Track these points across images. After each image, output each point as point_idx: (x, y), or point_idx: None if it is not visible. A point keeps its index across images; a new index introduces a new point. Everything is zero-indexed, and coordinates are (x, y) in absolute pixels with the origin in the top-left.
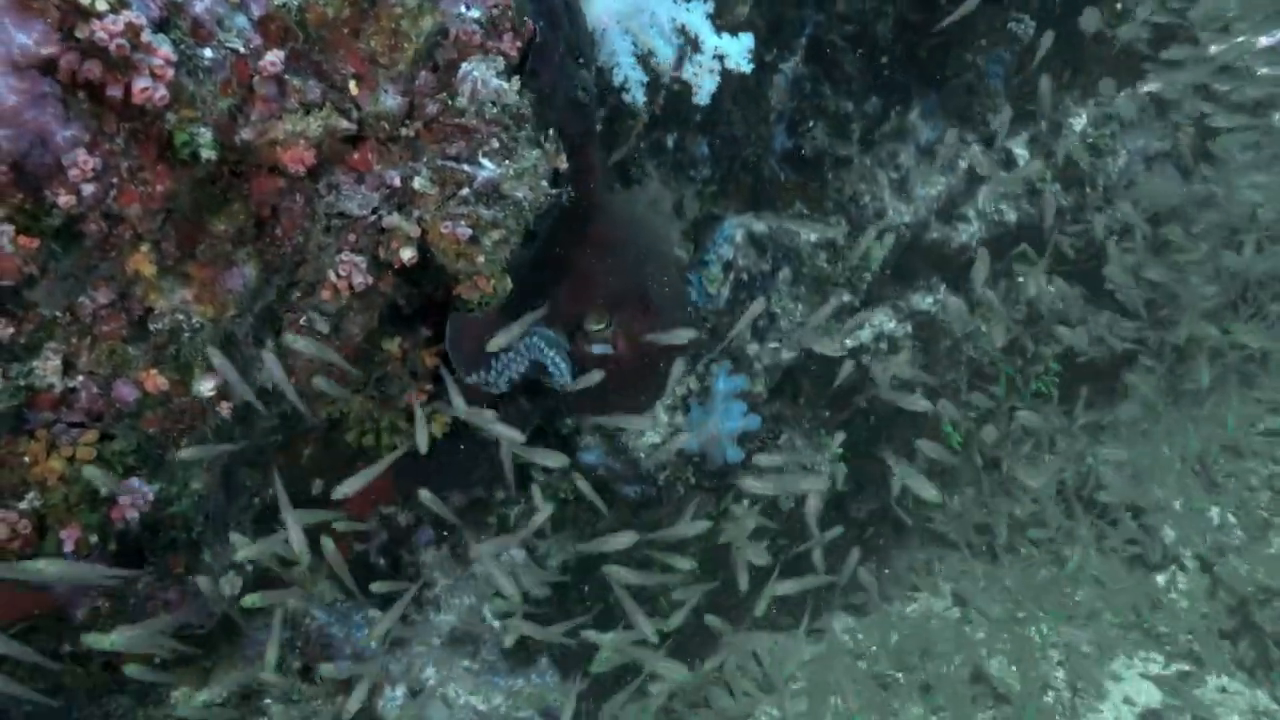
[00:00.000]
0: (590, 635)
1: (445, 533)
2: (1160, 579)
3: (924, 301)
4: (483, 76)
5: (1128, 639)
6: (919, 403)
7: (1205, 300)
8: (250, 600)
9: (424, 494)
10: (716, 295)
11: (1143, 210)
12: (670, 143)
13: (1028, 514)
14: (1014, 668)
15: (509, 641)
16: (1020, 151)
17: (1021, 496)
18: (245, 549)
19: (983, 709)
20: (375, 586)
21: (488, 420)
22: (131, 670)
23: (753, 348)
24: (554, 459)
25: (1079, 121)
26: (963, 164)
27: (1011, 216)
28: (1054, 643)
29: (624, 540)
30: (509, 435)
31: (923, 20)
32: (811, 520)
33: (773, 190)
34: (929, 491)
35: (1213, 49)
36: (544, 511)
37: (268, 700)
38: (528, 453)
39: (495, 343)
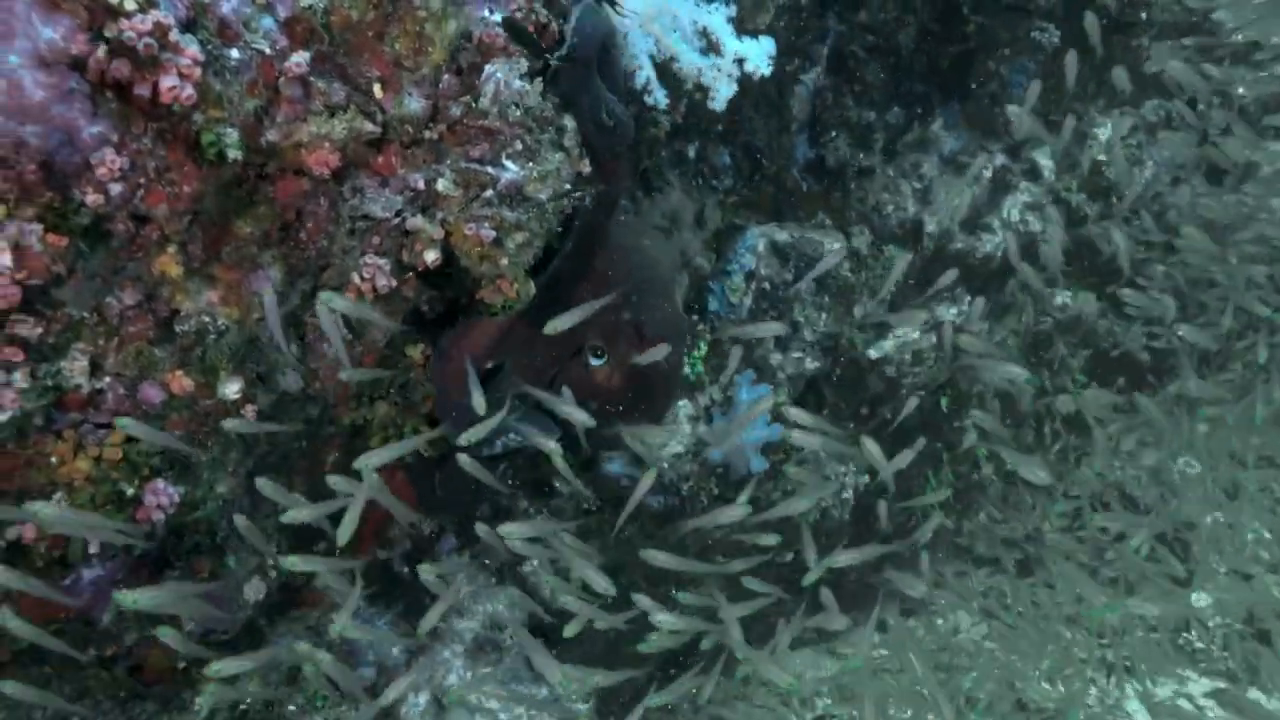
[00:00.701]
0: (659, 618)
1: (466, 541)
2: (1195, 595)
3: (948, 312)
4: (505, 78)
5: (1164, 656)
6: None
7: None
8: (290, 562)
9: (463, 459)
10: (739, 305)
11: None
12: (692, 152)
13: (1057, 525)
14: (1045, 685)
15: (572, 631)
16: (1045, 162)
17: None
18: (297, 510)
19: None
20: (425, 569)
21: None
22: (164, 634)
23: (775, 357)
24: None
25: (1104, 131)
26: (986, 174)
27: (1038, 226)
28: (1085, 659)
29: (737, 513)
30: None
31: (944, 30)
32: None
33: (795, 200)
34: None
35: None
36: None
37: (291, 707)
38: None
39: (470, 436)
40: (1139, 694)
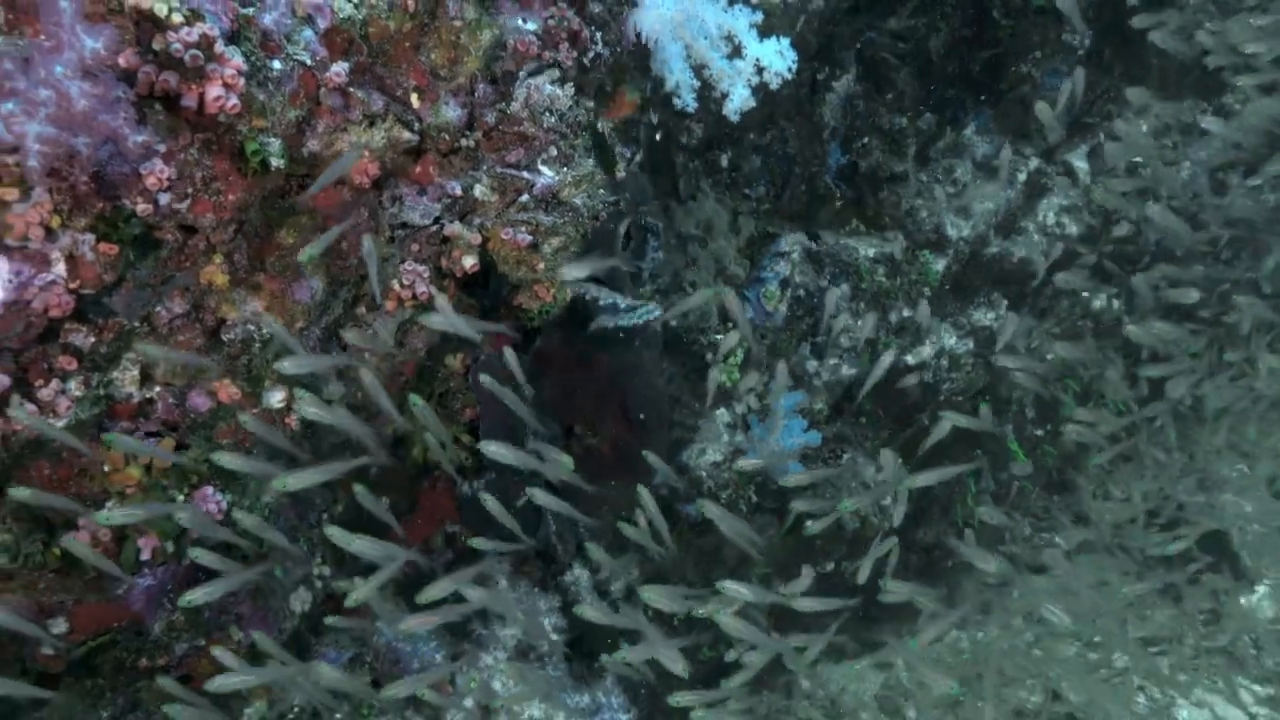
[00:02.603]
0: (728, 585)
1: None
2: (1243, 600)
3: (985, 317)
4: (537, 83)
5: (1212, 664)
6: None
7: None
8: (331, 532)
9: (489, 502)
10: (774, 312)
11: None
12: (725, 161)
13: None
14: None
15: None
16: (1080, 164)
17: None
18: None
19: None
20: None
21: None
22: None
23: (811, 364)
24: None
25: (1137, 133)
26: (1021, 177)
27: (1073, 229)
28: (1132, 667)
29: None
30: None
31: (975, 34)
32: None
33: (829, 207)
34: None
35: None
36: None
37: (338, 716)
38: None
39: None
40: (1190, 702)
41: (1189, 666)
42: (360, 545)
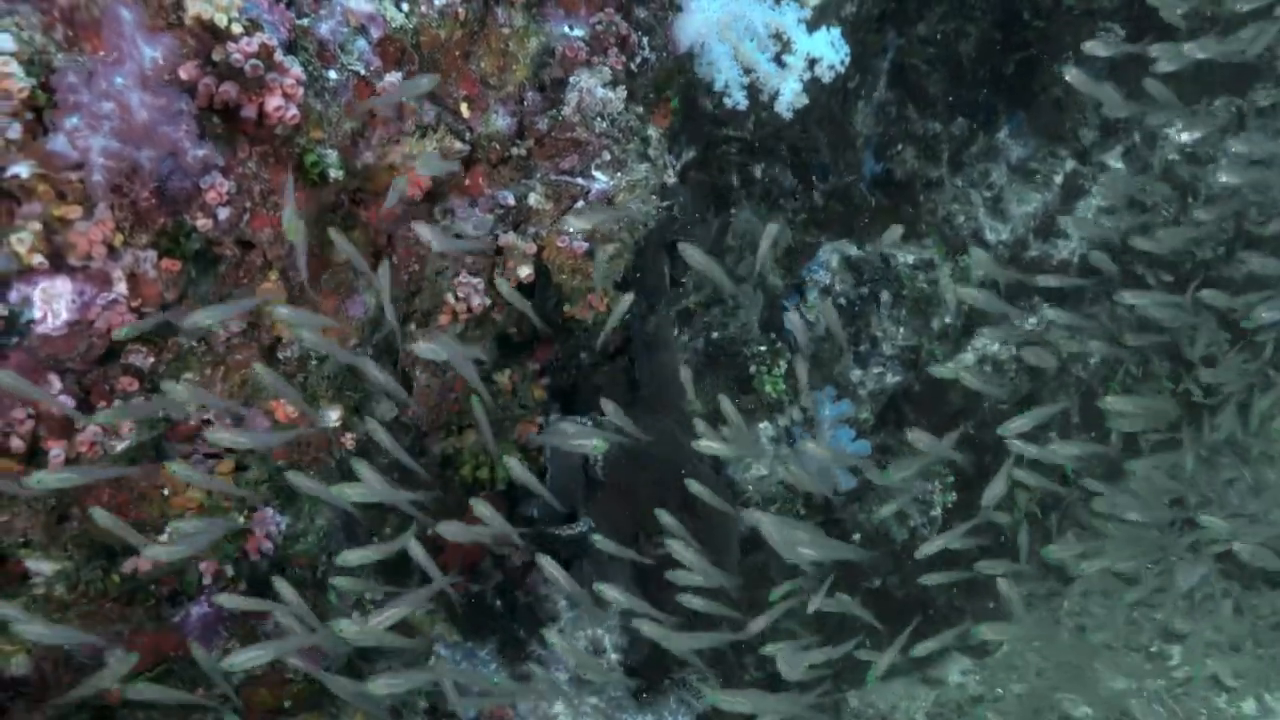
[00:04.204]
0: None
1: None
2: None
3: (1027, 322)
4: (589, 86)
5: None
6: None
7: None
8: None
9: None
10: (815, 322)
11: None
12: (759, 172)
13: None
14: (1157, 707)
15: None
16: (1115, 164)
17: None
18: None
19: None
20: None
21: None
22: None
23: (855, 373)
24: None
25: (1173, 130)
26: (1057, 179)
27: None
28: (1195, 676)
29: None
30: None
31: (1006, 37)
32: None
33: (865, 215)
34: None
35: None
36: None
37: None
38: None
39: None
40: (1259, 708)
41: (1255, 674)
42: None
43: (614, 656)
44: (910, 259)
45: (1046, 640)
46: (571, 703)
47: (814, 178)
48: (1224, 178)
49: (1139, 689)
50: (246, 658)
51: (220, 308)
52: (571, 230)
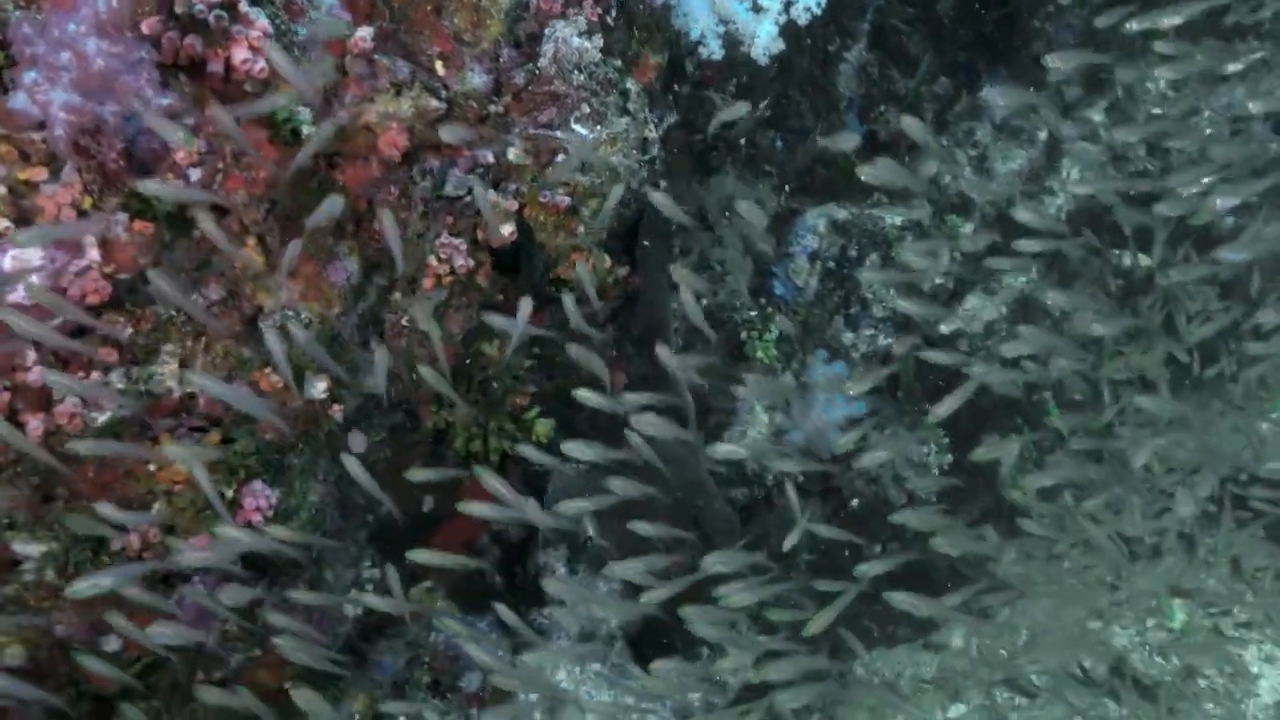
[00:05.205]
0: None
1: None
2: None
3: (1017, 281)
4: (564, 36)
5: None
6: None
7: None
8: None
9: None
10: (804, 286)
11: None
12: (741, 140)
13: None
14: (1158, 659)
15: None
16: (1098, 119)
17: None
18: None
19: (1127, 705)
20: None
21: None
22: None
23: (847, 336)
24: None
25: (1156, 85)
26: (1041, 136)
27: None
28: (1196, 629)
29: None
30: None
31: None
32: None
33: (850, 178)
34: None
35: None
36: None
37: (402, 718)
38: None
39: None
40: (1261, 654)
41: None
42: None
43: (614, 623)
44: (897, 220)
45: (1048, 586)
46: (573, 669)
47: (797, 143)
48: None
49: (1141, 643)
50: (88, 584)
51: None
52: (555, 178)
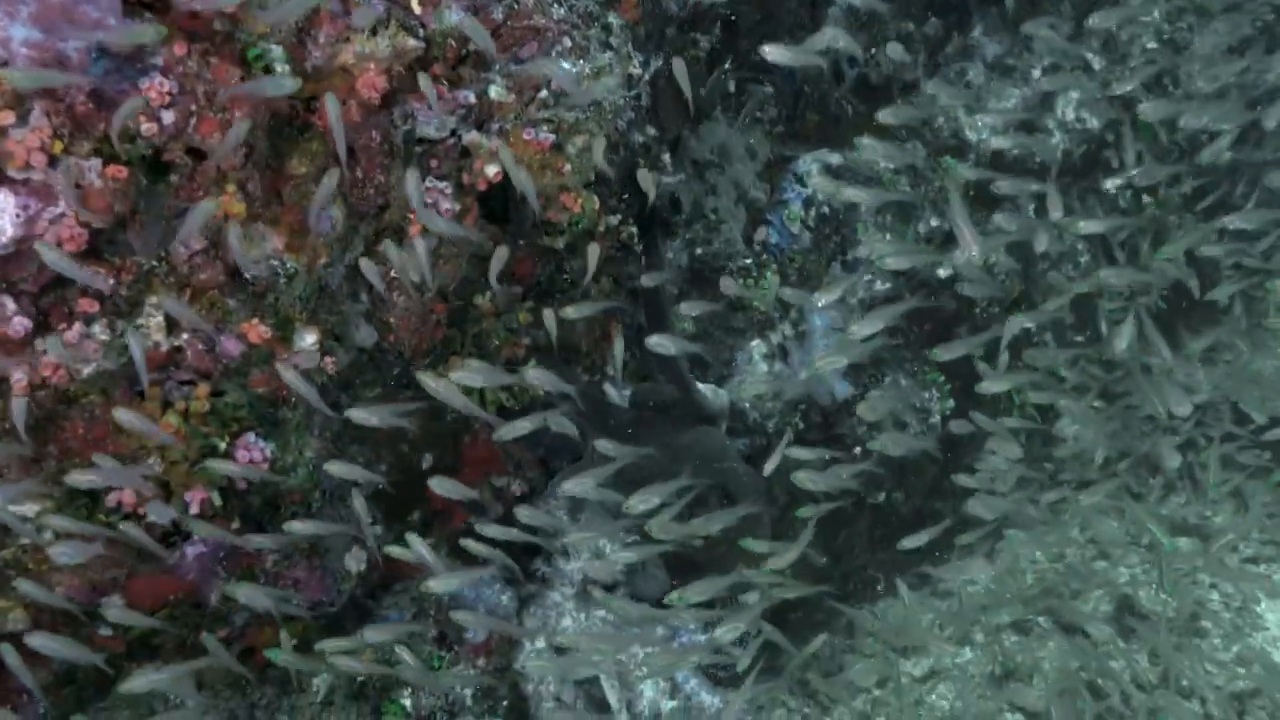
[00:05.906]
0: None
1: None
2: None
3: (1010, 223)
4: None
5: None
6: None
7: None
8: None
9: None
10: (799, 234)
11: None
12: (732, 86)
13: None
14: (1164, 596)
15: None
16: (1093, 58)
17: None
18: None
19: (1134, 641)
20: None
21: None
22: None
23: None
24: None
25: (1149, 18)
26: (1035, 74)
27: (1095, 124)
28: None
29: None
30: None
31: None
32: None
33: (843, 123)
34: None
35: None
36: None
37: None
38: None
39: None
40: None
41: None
42: None
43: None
44: (891, 164)
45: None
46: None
47: (788, 88)
48: None
49: (1145, 579)
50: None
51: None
52: (538, 116)
